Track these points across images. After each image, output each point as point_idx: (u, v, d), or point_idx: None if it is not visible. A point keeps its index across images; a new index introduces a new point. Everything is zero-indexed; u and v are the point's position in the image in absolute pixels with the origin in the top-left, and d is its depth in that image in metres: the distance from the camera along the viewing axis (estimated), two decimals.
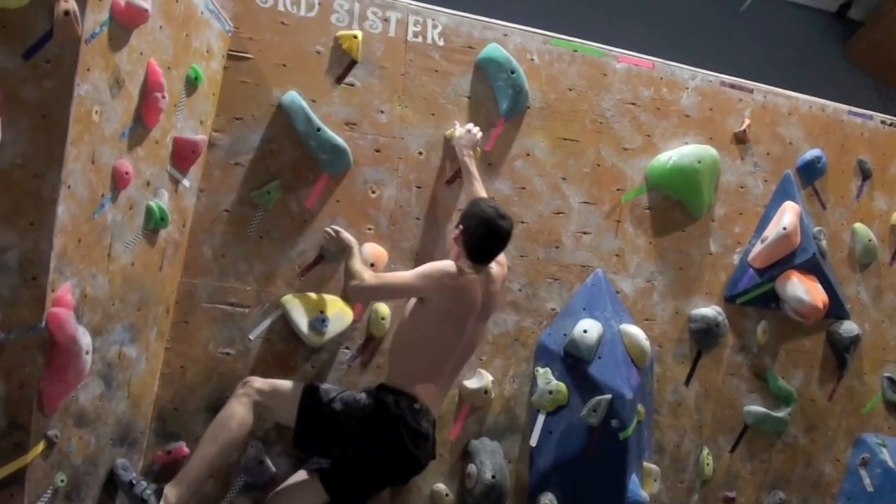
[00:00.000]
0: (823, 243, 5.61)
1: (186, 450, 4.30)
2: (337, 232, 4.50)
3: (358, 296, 4.47)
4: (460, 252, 4.38)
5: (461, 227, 4.37)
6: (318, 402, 4.28)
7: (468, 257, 4.36)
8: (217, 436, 4.14)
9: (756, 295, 5.51)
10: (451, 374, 4.48)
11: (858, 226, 5.93)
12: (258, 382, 4.29)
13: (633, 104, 5.34)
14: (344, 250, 4.45)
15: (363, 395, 4.33)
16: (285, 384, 4.35)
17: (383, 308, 4.60)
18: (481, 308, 4.39)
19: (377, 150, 4.75)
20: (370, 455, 4.25)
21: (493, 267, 4.49)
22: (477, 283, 4.34)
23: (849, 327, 5.79)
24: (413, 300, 4.38)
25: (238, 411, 4.19)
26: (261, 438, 4.45)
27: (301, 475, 4.39)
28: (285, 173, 4.56)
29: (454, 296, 4.26)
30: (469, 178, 4.74)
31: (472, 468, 4.75)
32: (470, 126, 4.85)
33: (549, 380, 4.85)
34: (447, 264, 4.32)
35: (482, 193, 4.70)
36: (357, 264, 4.34)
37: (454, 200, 4.87)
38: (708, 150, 5.40)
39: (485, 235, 4.32)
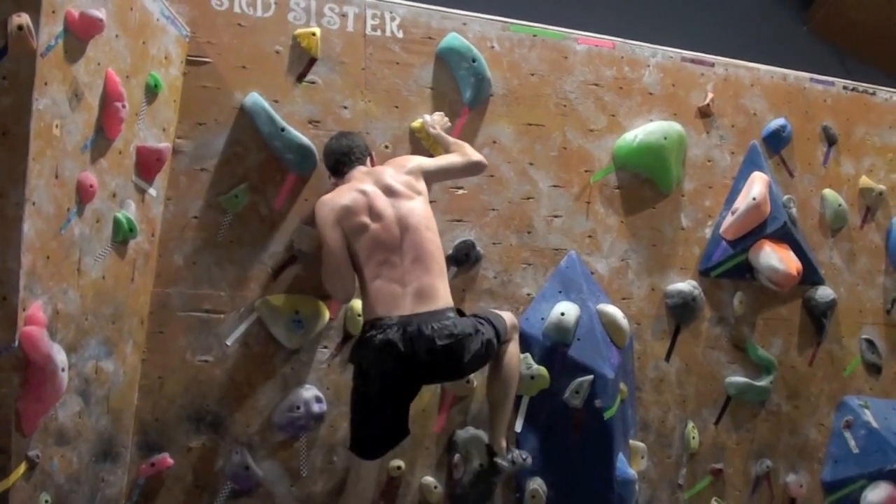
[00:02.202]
0: (794, 211, 5.64)
1: (170, 461, 4.28)
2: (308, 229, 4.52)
3: (326, 284, 4.42)
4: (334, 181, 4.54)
5: (328, 173, 4.57)
6: (357, 441, 4.33)
7: (335, 176, 4.52)
8: None
9: (730, 266, 5.54)
10: (415, 262, 4.27)
11: (827, 191, 5.97)
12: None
13: (595, 85, 5.34)
14: (318, 248, 4.44)
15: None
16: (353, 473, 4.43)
17: (358, 305, 4.57)
18: (384, 190, 4.33)
19: None
20: (384, 390, 4.24)
21: (380, 168, 4.51)
22: (352, 185, 4.36)
23: (824, 292, 5.83)
24: None
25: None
26: (245, 444, 4.44)
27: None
28: (252, 176, 4.54)
29: (341, 210, 4.24)
30: (445, 142, 4.76)
31: (458, 458, 4.75)
32: (441, 112, 4.89)
33: (529, 364, 4.84)
34: (316, 205, 4.37)
35: (462, 145, 4.73)
36: None
37: None
38: (673, 126, 5.42)
39: (328, 154, 4.52)
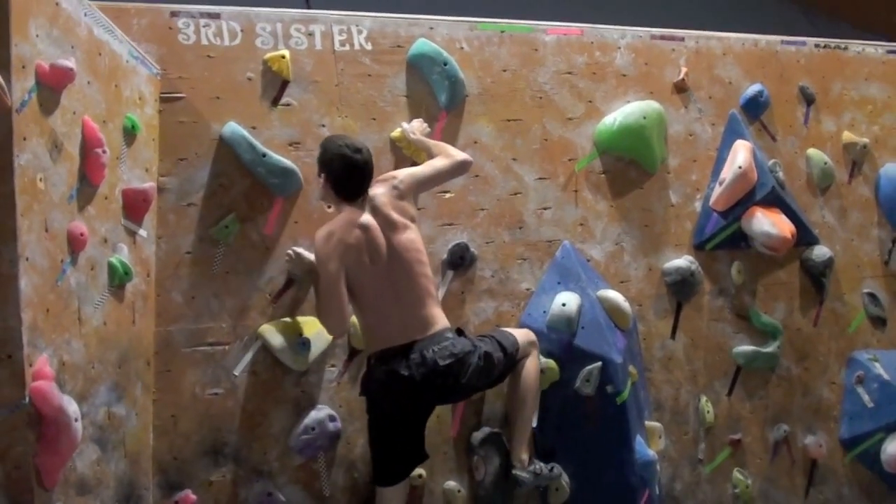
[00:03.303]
0: (780, 174, 5.65)
1: (193, 497, 4.29)
2: (297, 254, 4.49)
3: (320, 318, 4.42)
4: (329, 194, 4.41)
5: (323, 174, 4.38)
6: (377, 470, 4.45)
7: (337, 196, 4.37)
8: None
9: (724, 237, 5.54)
10: (409, 293, 4.32)
11: (812, 151, 5.97)
12: None
13: (569, 73, 5.35)
14: (310, 271, 4.44)
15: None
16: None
17: None
18: (381, 222, 4.33)
19: None
20: (402, 416, 4.37)
21: (374, 189, 4.43)
22: (353, 218, 4.31)
23: (820, 252, 5.83)
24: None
25: None
26: (265, 472, 4.44)
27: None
28: (239, 205, 4.55)
29: (344, 249, 4.23)
30: (426, 146, 4.76)
31: (478, 460, 4.75)
32: (420, 119, 4.89)
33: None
34: (317, 237, 4.32)
35: (444, 147, 4.74)
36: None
37: None
38: (651, 105, 5.43)
39: (343, 173, 4.32)
